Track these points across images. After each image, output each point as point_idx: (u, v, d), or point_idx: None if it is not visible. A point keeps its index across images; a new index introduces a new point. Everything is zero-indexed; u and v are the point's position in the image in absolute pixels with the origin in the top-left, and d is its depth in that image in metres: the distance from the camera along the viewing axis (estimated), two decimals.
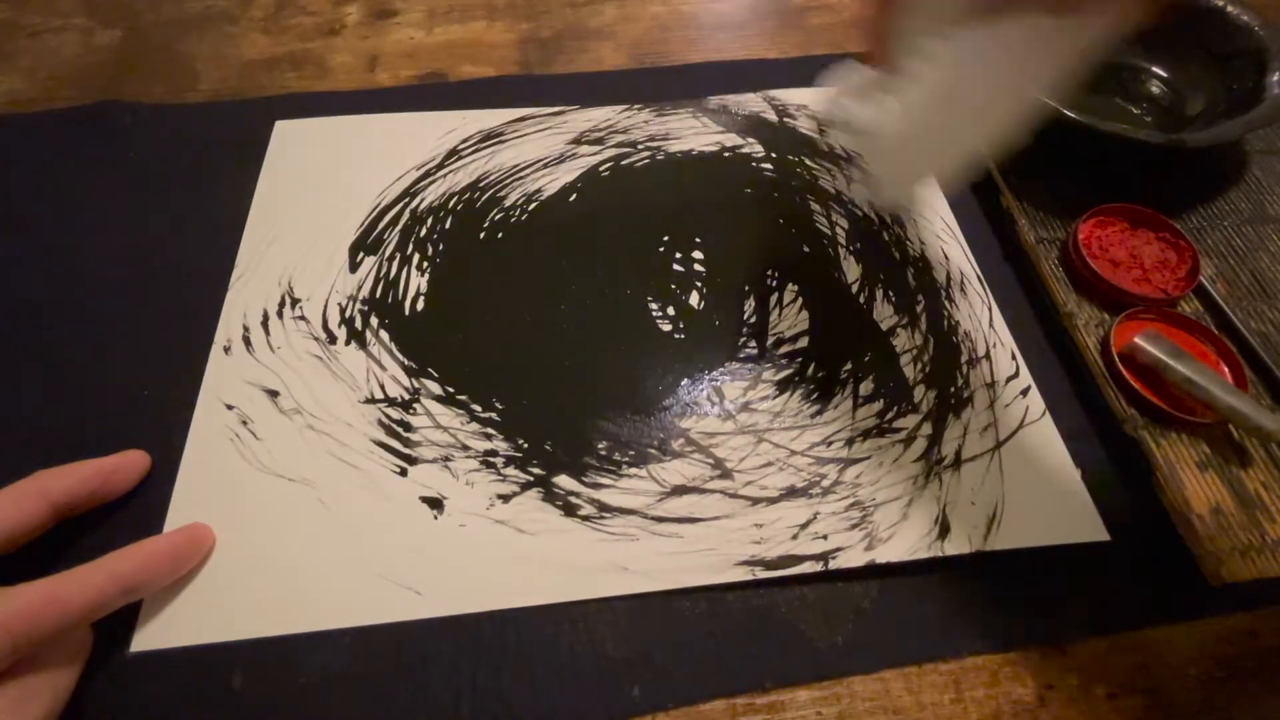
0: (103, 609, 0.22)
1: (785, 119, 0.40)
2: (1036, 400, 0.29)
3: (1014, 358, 0.31)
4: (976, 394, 0.30)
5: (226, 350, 0.30)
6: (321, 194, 0.36)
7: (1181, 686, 0.24)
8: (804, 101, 0.41)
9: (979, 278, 0.33)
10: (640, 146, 0.39)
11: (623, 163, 0.38)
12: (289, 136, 0.38)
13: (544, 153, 0.38)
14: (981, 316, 0.32)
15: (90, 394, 0.29)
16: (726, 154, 0.39)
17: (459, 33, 0.45)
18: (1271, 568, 0.25)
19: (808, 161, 0.38)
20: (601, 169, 0.38)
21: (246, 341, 0.31)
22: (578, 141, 0.39)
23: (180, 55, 0.44)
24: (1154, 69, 0.39)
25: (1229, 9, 0.36)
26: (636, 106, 0.41)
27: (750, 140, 0.39)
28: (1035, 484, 0.27)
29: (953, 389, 0.30)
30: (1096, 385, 0.29)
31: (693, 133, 0.39)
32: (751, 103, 0.41)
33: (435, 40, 0.45)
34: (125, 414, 0.29)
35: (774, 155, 0.38)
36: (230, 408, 0.29)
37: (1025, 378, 0.30)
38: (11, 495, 0.24)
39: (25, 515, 0.23)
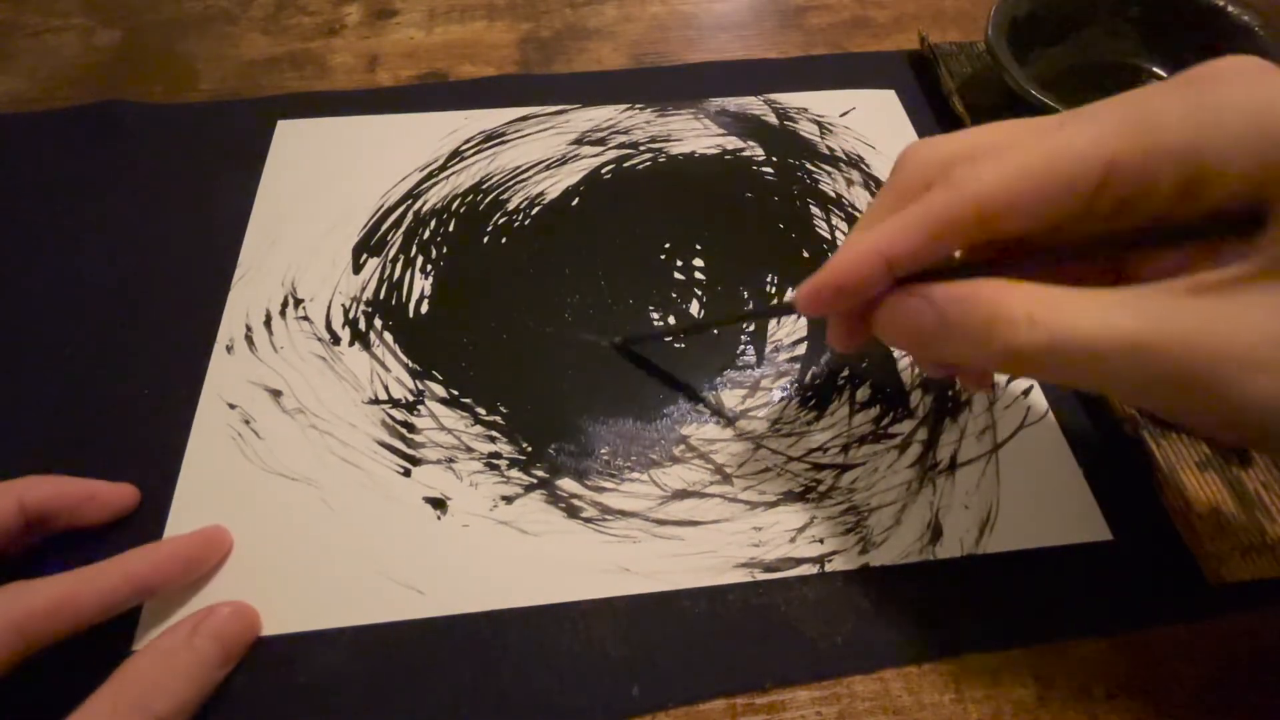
0: (115, 609, 0.22)
1: (786, 122, 0.40)
2: (1039, 400, 0.30)
3: None
4: (974, 397, 0.30)
5: (229, 349, 0.30)
6: (324, 195, 0.36)
7: (1181, 686, 0.24)
8: (804, 105, 0.41)
9: None
10: (642, 148, 0.39)
11: (625, 164, 0.38)
12: (292, 136, 0.38)
13: (546, 153, 0.38)
14: None
15: (91, 394, 0.29)
16: (728, 157, 0.38)
17: (459, 33, 0.45)
18: (1271, 568, 0.25)
19: (808, 165, 0.38)
20: (604, 171, 0.38)
21: (249, 341, 0.31)
22: (579, 142, 0.39)
23: (180, 55, 0.44)
24: (1154, 69, 0.39)
25: (1229, 9, 0.36)
26: (638, 106, 0.41)
27: (751, 144, 0.39)
28: (1036, 484, 0.27)
29: (950, 393, 0.30)
30: None
31: (694, 134, 0.39)
32: (752, 105, 0.41)
33: (435, 40, 0.45)
34: (126, 414, 0.29)
35: (774, 159, 0.38)
36: (233, 407, 0.29)
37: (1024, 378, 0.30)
38: None
39: None
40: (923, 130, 0.39)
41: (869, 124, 0.40)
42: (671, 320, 0.32)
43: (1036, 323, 0.17)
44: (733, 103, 0.41)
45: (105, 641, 0.23)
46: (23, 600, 0.20)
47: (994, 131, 0.20)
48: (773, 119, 0.40)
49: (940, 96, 0.40)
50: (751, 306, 0.33)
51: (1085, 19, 0.39)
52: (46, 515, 0.24)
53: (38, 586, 0.21)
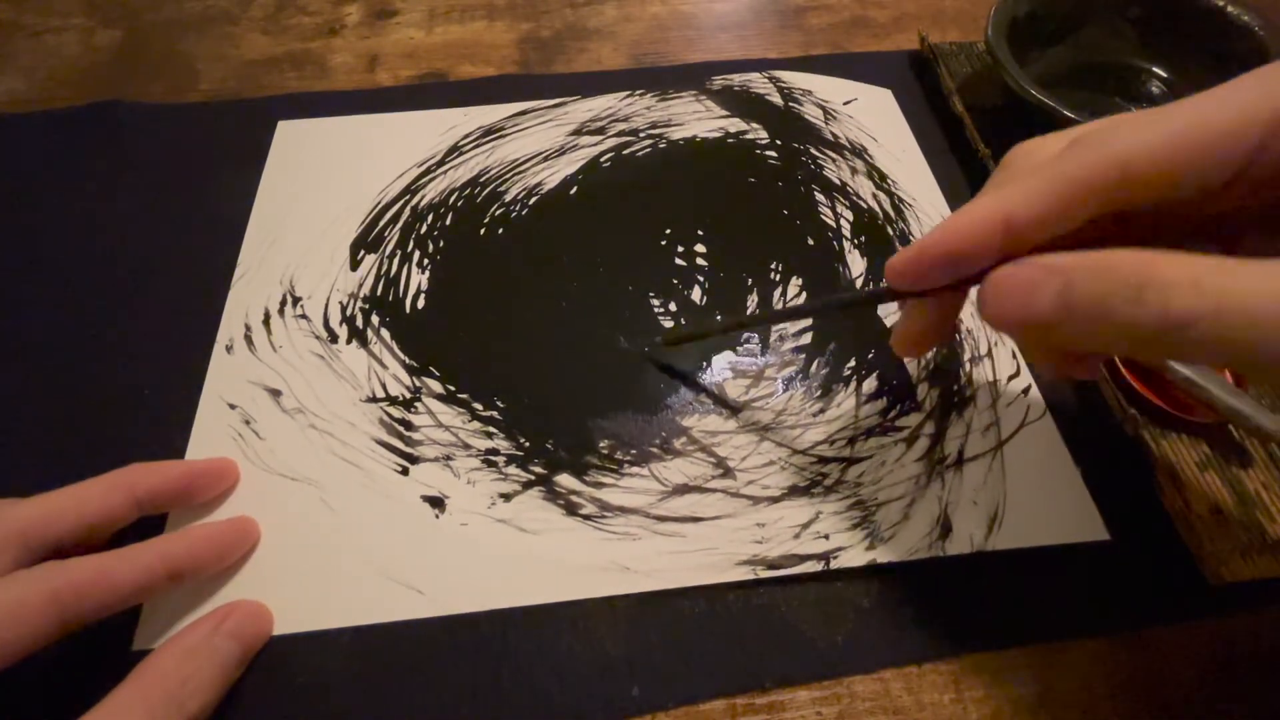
0: (150, 591, 0.22)
1: (790, 103, 0.40)
2: (1037, 399, 0.29)
3: (1014, 356, 0.31)
4: (979, 392, 0.30)
5: (229, 349, 0.30)
6: (323, 193, 0.36)
7: (1181, 686, 0.24)
8: (809, 87, 0.41)
9: None
10: (642, 135, 0.38)
11: (624, 152, 0.38)
12: (291, 136, 0.38)
13: (545, 145, 0.38)
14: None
15: (91, 394, 0.29)
16: (730, 140, 0.38)
17: (459, 33, 0.45)
18: (1271, 568, 0.25)
19: (813, 150, 0.38)
20: (603, 160, 0.37)
21: (248, 341, 0.31)
22: (578, 132, 0.38)
23: (180, 55, 0.44)
24: (1154, 69, 0.39)
25: (1229, 9, 0.36)
26: (639, 92, 0.40)
27: (754, 125, 0.39)
28: (1036, 483, 0.27)
29: (955, 387, 0.30)
30: (1097, 385, 0.29)
31: (696, 117, 0.39)
32: (756, 83, 0.40)
33: (435, 40, 0.45)
34: (126, 414, 0.29)
35: (778, 142, 0.38)
36: (233, 407, 0.29)
37: (1026, 377, 0.30)
38: (101, 486, 0.23)
39: (112, 507, 0.23)
40: (920, 130, 0.39)
41: (867, 118, 0.40)
42: (672, 306, 0.32)
43: (1202, 286, 0.14)
44: (737, 79, 0.41)
45: (105, 641, 0.23)
46: (61, 573, 0.21)
47: (1111, 119, 0.18)
48: (777, 99, 0.40)
49: (940, 96, 0.40)
50: (755, 295, 0.32)
51: (1085, 19, 0.39)
52: (157, 503, 0.25)
53: (76, 562, 0.21)
